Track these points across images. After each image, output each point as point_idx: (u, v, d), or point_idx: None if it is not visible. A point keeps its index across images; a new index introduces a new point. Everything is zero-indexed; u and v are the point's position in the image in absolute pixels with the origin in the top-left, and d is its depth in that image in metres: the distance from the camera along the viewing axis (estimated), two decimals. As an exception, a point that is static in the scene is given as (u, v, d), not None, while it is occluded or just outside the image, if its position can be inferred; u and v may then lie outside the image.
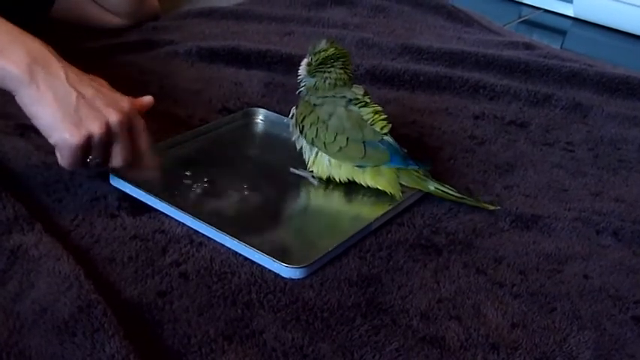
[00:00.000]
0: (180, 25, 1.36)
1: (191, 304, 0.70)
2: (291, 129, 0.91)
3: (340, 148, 0.86)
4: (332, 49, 0.87)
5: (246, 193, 0.88)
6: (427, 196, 0.89)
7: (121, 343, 0.61)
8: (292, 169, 0.92)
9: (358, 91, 0.88)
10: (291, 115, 0.91)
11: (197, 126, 1.00)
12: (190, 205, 0.83)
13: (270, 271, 0.75)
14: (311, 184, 0.90)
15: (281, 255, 0.75)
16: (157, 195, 0.82)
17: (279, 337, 0.67)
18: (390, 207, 0.85)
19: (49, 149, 0.77)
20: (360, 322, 0.70)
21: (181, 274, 0.73)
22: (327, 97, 0.87)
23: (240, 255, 0.76)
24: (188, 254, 0.76)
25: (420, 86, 1.20)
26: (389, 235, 0.83)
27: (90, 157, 0.76)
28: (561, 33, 1.67)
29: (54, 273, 0.68)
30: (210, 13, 1.43)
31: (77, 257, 0.72)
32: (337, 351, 0.66)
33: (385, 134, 0.87)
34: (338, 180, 0.88)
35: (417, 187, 0.88)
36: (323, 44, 0.87)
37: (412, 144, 0.91)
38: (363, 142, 0.86)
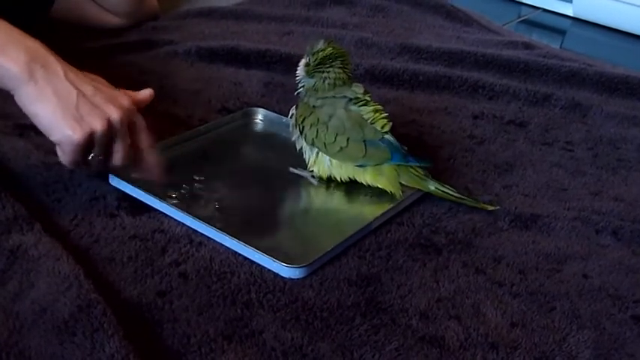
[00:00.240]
0: (180, 25, 1.36)
1: (191, 303, 0.70)
2: (290, 129, 0.91)
3: (341, 148, 0.86)
4: (330, 48, 0.87)
5: (245, 192, 0.88)
6: (427, 196, 0.89)
7: (121, 343, 0.61)
8: (292, 169, 0.92)
9: (358, 89, 0.88)
10: (290, 115, 0.91)
11: (196, 126, 1.00)
12: (190, 205, 0.83)
13: (269, 270, 0.75)
14: (311, 183, 0.90)
15: (280, 254, 0.75)
16: (156, 195, 0.82)
17: (278, 337, 0.67)
18: (390, 206, 0.85)
19: (49, 149, 0.77)
20: (360, 321, 0.70)
21: (181, 273, 0.73)
22: (326, 97, 0.87)
23: (240, 255, 0.76)
24: (187, 254, 0.76)
25: (419, 86, 1.20)
26: (388, 235, 0.83)
27: (92, 154, 0.76)
28: (561, 32, 1.67)
29: (53, 273, 0.68)
30: (209, 13, 1.43)
31: (77, 257, 0.72)
32: (337, 350, 0.66)
33: (386, 133, 0.87)
34: (339, 179, 0.89)
35: (417, 186, 0.88)
36: (321, 44, 0.87)
37: (411, 143, 0.91)
38: (364, 142, 0.86)
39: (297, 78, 0.90)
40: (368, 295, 0.73)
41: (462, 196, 0.88)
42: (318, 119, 0.87)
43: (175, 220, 0.81)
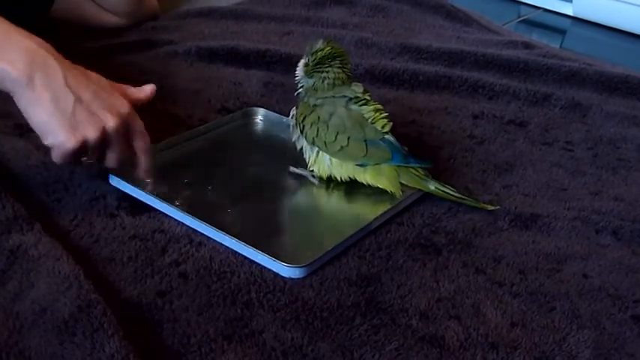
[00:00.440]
0: (180, 24, 1.36)
1: (191, 303, 0.70)
2: (291, 129, 0.91)
3: (341, 147, 0.86)
4: (328, 48, 0.87)
5: (245, 192, 0.88)
6: (427, 196, 0.89)
7: (121, 343, 0.61)
8: (292, 169, 0.92)
9: (358, 89, 0.88)
10: (291, 115, 0.91)
11: (196, 126, 1.00)
12: (190, 205, 0.83)
13: (269, 270, 0.75)
14: (311, 183, 0.90)
15: (280, 254, 0.75)
16: (156, 195, 0.82)
17: (278, 337, 0.67)
18: (390, 206, 0.85)
19: (49, 149, 0.77)
20: (360, 321, 0.70)
21: (181, 273, 0.73)
22: (326, 97, 0.87)
23: (240, 254, 0.76)
24: (187, 254, 0.76)
25: (419, 86, 1.20)
26: (388, 235, 0.83)
27: (84, 157, 0.77)
28: (560, 32, 1.67)
29: (53, 273, 0.68)
30: (209, 13, 1.43)
31: (77, 257, 0.72)
32: (337, 350, 0.66)
33: (386, 132, 0.87)
34: (339, 179, 0.88)
35: (417, 186, 0.88)
36: (320, 44, 0.87)
37: (412, 143, 0.91)
38: (365, 141, 0.86)
39: (297, 78, 0.90)
40: (368, 295, 0.73)
41: (462, 196, 0.88)
42: (318, 118, 0.87)
43: (175, 220, 0.81)
